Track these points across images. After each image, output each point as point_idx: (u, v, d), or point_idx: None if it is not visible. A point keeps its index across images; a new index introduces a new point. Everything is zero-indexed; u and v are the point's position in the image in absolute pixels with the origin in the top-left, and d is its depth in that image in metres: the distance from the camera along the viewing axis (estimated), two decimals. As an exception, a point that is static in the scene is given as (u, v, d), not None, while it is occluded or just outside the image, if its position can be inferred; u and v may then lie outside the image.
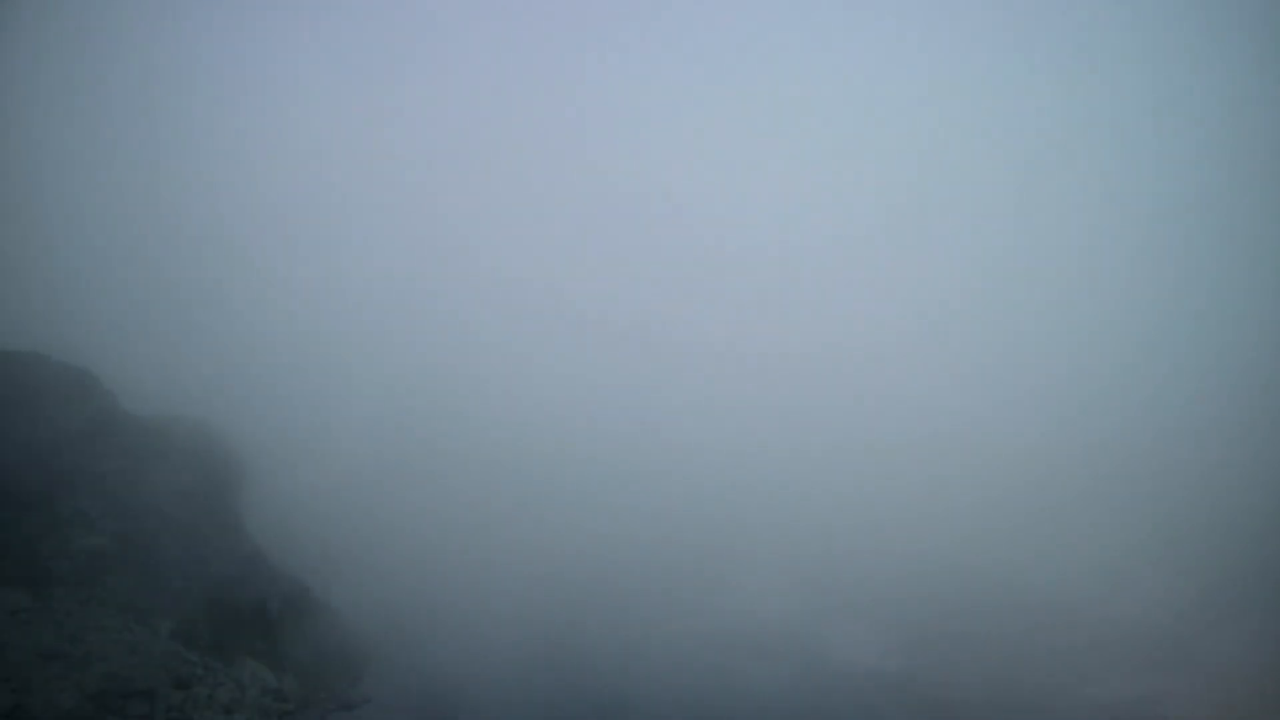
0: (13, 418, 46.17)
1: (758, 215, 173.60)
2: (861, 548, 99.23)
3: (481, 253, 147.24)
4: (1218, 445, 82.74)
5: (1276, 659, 55.97)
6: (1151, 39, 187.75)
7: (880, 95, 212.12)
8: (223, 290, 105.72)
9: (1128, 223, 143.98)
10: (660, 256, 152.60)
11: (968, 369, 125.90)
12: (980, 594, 75.32)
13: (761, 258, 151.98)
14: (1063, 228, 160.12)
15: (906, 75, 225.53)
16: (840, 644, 78.84)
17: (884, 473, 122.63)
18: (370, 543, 78.78)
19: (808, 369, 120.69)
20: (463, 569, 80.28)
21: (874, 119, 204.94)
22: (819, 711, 61.39)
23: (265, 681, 43.11)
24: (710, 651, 79.13)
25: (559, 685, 63.84)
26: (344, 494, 79.91)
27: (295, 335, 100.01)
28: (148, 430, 55.09)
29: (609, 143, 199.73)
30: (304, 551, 74.86)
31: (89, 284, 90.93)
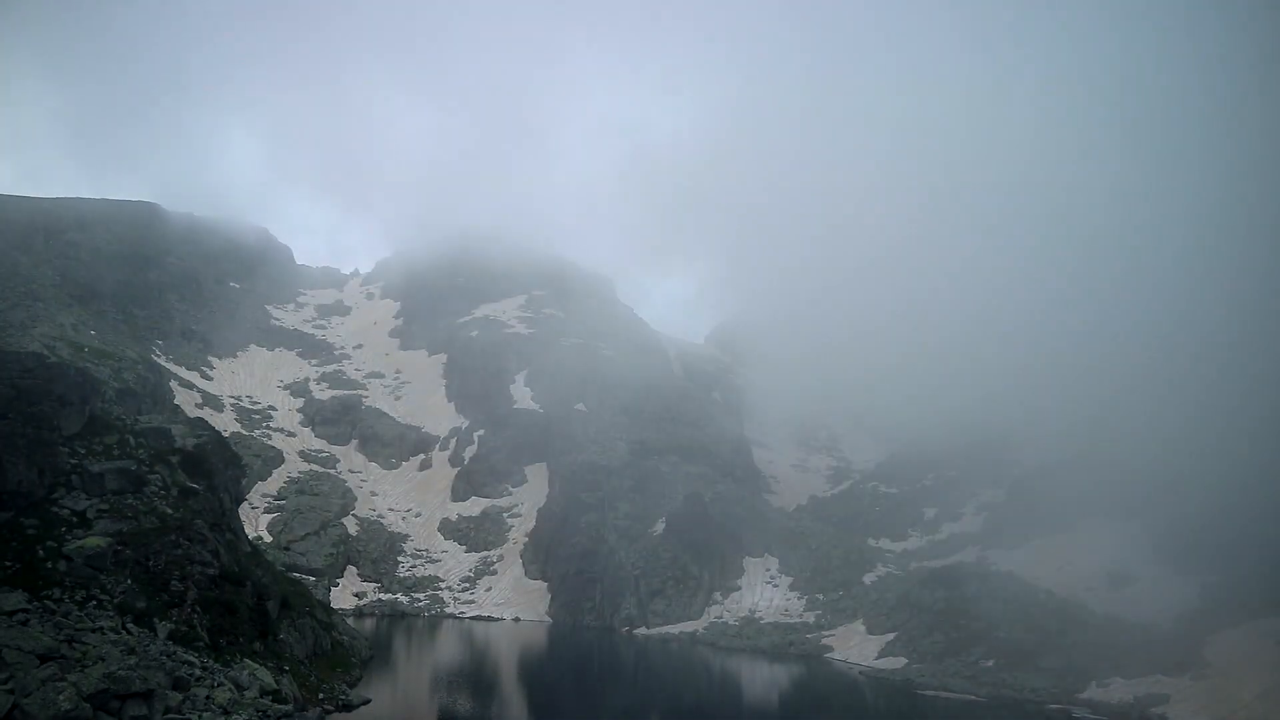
0: (12, 418, 46.02)
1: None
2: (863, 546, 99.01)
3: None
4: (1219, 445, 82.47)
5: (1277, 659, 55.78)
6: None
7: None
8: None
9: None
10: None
11: (974, 369, 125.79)
12: (981, 593, 75.07)
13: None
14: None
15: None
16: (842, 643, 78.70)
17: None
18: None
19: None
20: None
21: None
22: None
23: (263, 682, 42.95)
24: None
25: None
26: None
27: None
28: (147, 430, 55.01)
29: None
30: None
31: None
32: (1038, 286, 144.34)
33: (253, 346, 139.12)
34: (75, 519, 45.53)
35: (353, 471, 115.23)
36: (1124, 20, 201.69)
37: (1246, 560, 66.46)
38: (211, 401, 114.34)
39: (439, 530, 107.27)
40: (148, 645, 39.72)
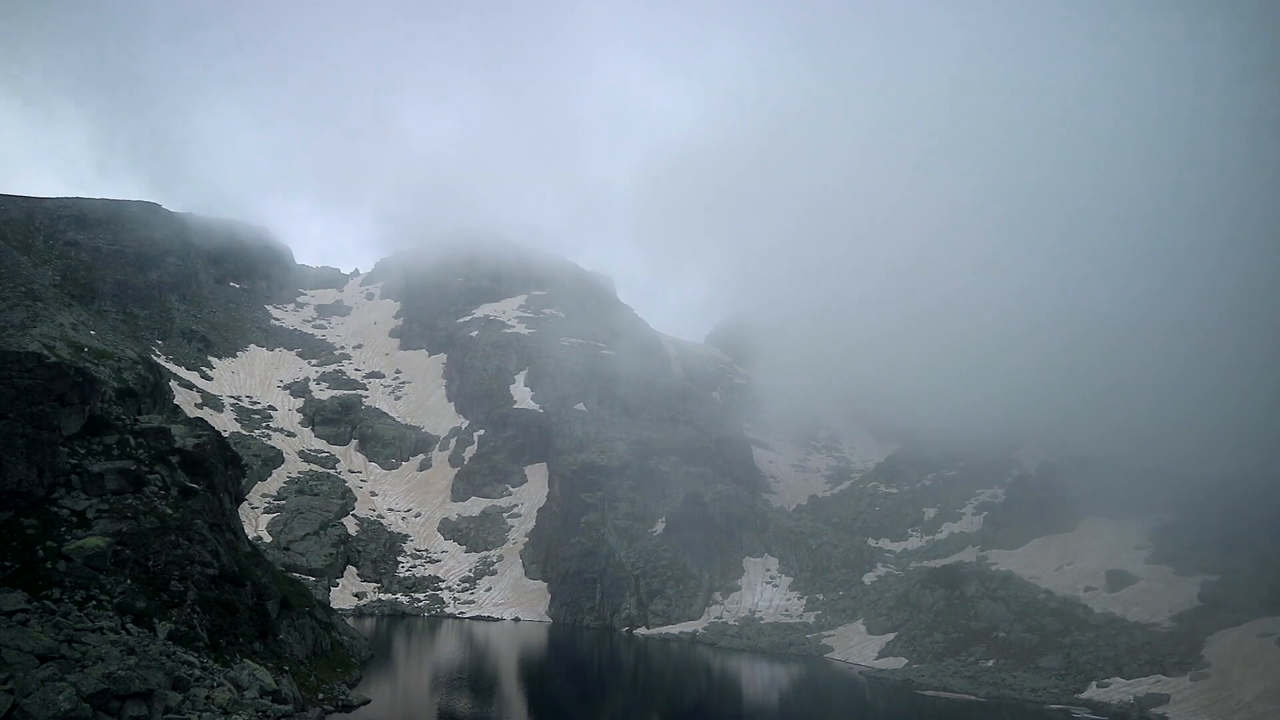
0: (12, 418, 45.97)
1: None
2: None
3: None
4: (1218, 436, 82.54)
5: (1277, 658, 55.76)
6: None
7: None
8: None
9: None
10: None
11: (974, 369, 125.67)
12: (981, 593, 75.04)
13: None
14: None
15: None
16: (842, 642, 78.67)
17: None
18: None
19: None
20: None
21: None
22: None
23: (263, 683, 42.93)
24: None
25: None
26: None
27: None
28: (147, 430, 54.99)
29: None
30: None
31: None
32: (1038, 288, 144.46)
33: (253, 346, 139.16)
34: (75, 519, 45.52)
35: (353, 471, 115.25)
36: (1149, 31, 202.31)
37: (1246, 560, 66.43)
38: (211, 401, 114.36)
39: (439, 530, 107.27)
40: (147, 645, 39.68)
